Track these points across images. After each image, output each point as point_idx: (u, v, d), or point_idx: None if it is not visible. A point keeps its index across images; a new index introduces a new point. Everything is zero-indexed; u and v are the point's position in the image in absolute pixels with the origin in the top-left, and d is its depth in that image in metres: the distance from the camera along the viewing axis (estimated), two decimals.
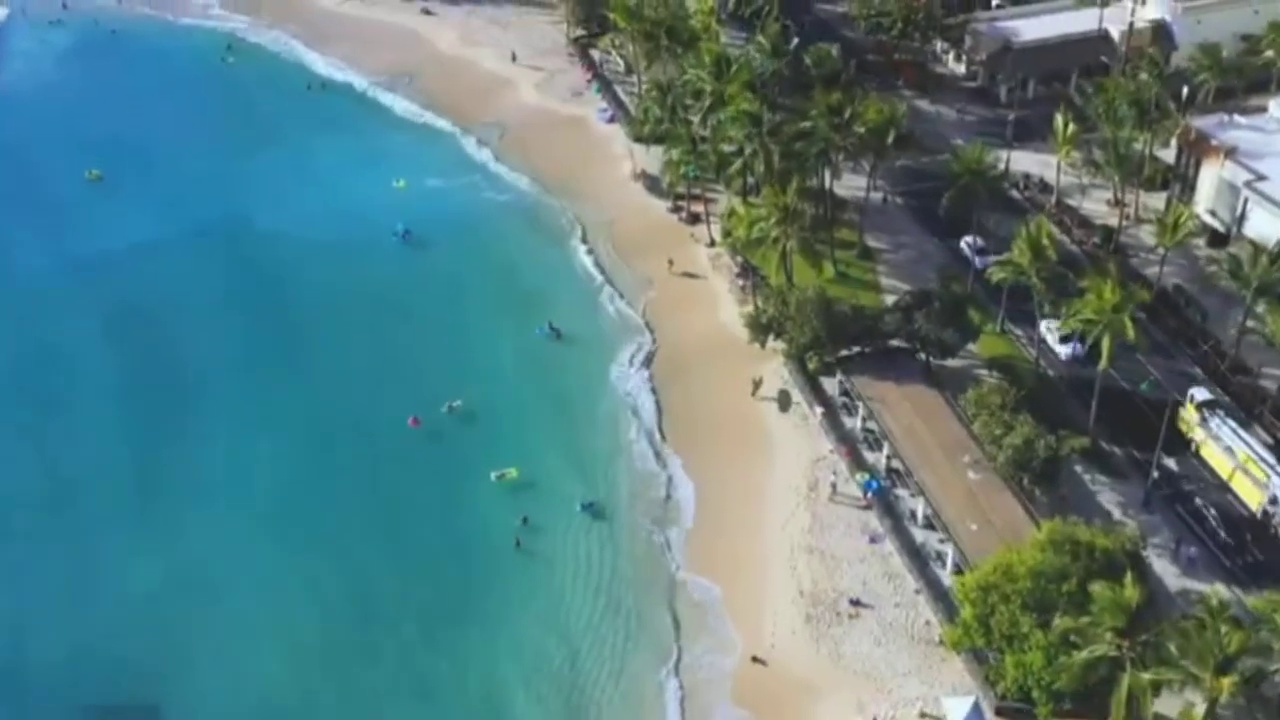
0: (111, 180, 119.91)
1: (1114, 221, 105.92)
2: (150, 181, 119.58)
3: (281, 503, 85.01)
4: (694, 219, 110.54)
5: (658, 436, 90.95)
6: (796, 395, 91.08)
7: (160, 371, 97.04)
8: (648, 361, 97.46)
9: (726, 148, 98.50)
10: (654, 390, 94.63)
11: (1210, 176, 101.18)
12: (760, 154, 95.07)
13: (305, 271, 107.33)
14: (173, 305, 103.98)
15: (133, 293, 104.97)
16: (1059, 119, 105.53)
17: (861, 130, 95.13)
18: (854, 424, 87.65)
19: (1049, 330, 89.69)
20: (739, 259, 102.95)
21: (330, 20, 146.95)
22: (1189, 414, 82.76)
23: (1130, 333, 78.78)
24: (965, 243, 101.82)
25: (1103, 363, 79.93)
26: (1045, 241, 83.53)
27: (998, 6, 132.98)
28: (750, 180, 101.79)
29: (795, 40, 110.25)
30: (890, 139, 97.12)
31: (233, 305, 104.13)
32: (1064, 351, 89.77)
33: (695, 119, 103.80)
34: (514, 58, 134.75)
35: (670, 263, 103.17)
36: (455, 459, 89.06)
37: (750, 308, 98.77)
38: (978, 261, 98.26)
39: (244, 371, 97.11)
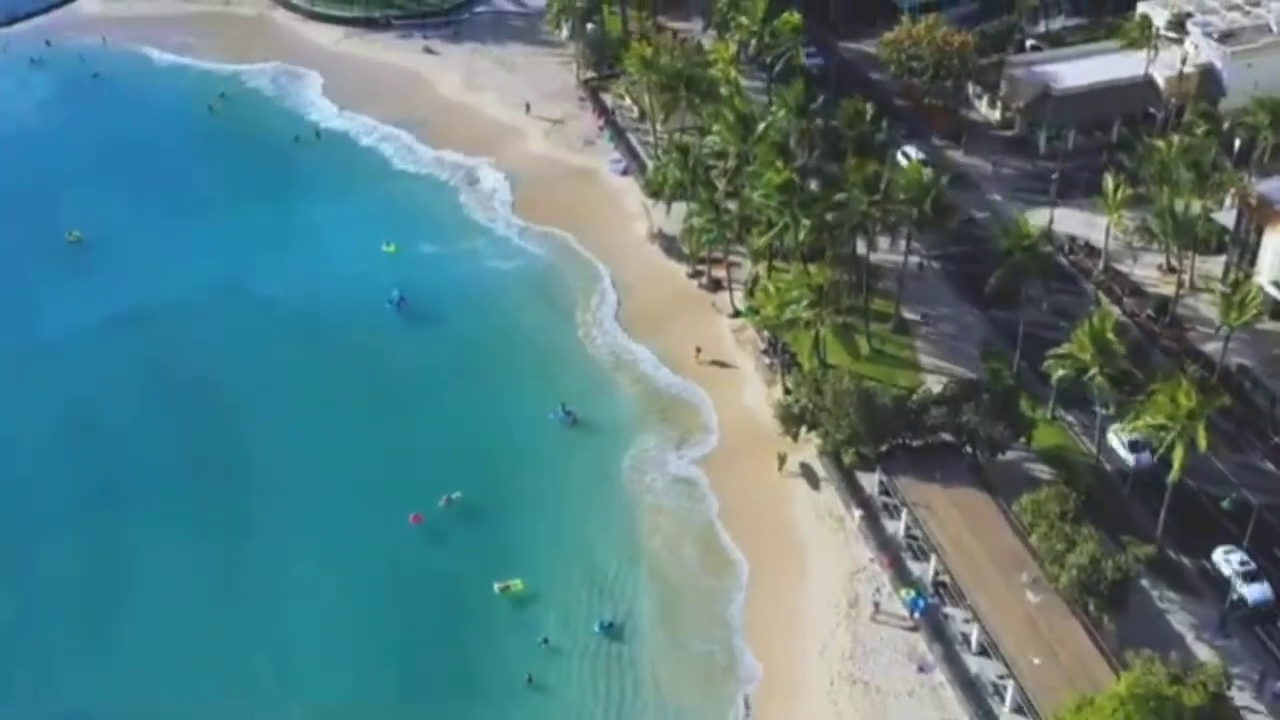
0: (91, 241, 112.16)
1: (1168, 290, 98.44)
2: (131, 243, 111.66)
3: (264, 622, 77.70)
4: (715, 285, 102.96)
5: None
6: (831, 492, 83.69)
7: (133, 465, 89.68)
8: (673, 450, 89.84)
9: (754, 215, 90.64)
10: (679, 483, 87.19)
11: (1274, 246, 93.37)
12: (791, 227, 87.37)
13: (294, 344, 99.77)
14: (149, 386, 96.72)
15: (107, 373, 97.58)
16: (1108, 181, 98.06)
17: (900, 203, 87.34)
18: (896, 529, 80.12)
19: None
20: (766, 334, 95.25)
21: (326, 61, 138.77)
22: None
23: (1205, 442, 71.18)
24: None
25: (1174, 474, 72.37)
26: (1110, 335, 75.78)
27: (1033, 47, 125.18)
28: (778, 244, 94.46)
29: (821, 98, 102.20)
30: (929, 209, 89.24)
31: (217, 384, 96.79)
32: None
33: (719, 182, 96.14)
34: (528, 109, 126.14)
35: (698, 350, 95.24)
36: (455, 565, 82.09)
37: (778, 388, 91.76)
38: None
39: (226, 459, 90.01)
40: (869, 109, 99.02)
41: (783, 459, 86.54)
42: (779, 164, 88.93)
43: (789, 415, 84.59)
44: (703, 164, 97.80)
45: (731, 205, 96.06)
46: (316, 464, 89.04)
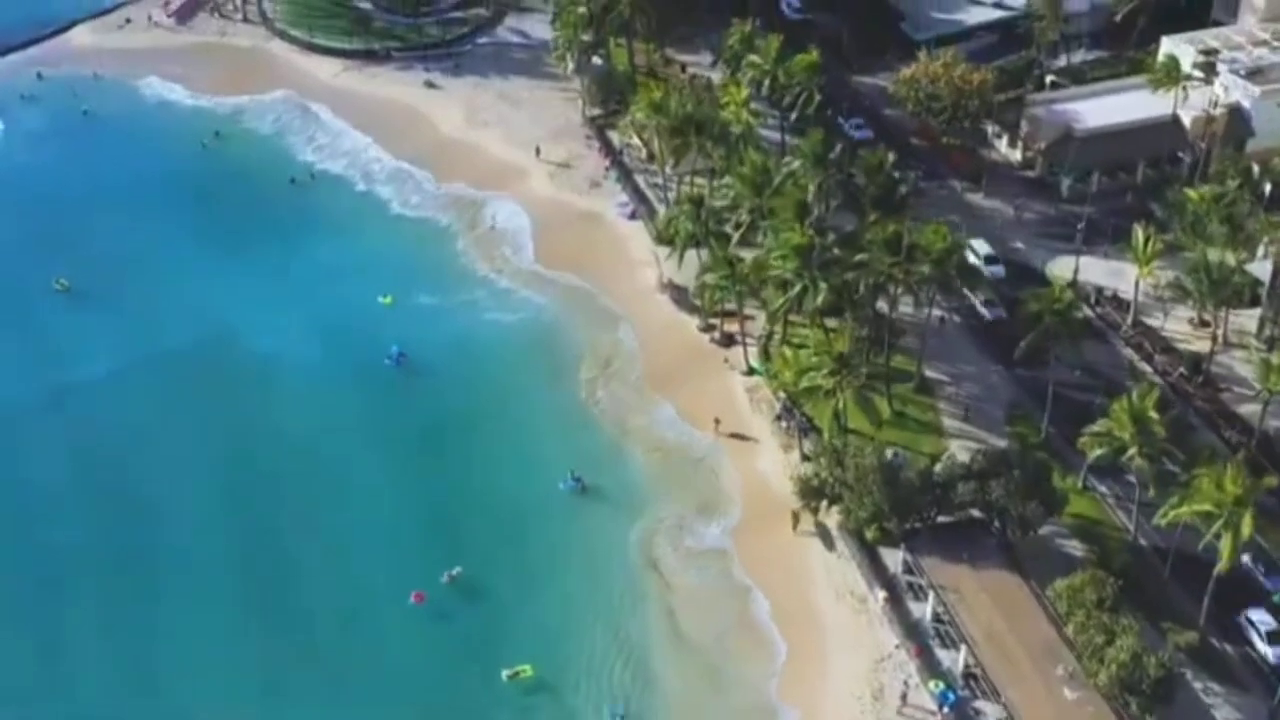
0: (79, 290, 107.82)
1: (1201, 345, 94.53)
2: (119, 292, 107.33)
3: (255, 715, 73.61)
4: (728, 340, 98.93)
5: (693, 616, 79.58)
6: (852, 569, 79.78)
7: (112, 538, 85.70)
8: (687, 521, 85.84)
9: (771, 275, 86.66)
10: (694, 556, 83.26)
11: None
12: (810, 290, 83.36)
13: (287, 404, 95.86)
14: (132, 449, 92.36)
15: (87, 435, 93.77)
16: (1139, 233, 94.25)
17: (924, 267, 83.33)
18: (923, 613, 76.14)
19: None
20: (782, 395, 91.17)
21: (324, 96, 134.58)
22: None
23: (1250, 530, 67.23)
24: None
25: (1222, 564, 68.39)
26: (1152, 414, 71.73)
27: (1053, 83, 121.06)
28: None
29: (840, 148, 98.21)
30: (955, 271, 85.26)
31: (204, 448, 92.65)
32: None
33: (733, 234, 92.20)
34: (538, 152, 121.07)
35: (717, 422, 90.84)
36: (460, 648, 78.57)
37: (796, 454, 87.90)
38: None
39: (211, 530, 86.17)
40: (890, 159, 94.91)
41: (796, 518, 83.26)
42: (796, 224, 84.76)
43: (809, 489, 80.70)
44: (715, 216, 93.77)
45: (746, 254, 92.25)
46: (311, 536, 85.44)
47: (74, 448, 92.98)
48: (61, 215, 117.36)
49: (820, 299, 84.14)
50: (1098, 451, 74.98)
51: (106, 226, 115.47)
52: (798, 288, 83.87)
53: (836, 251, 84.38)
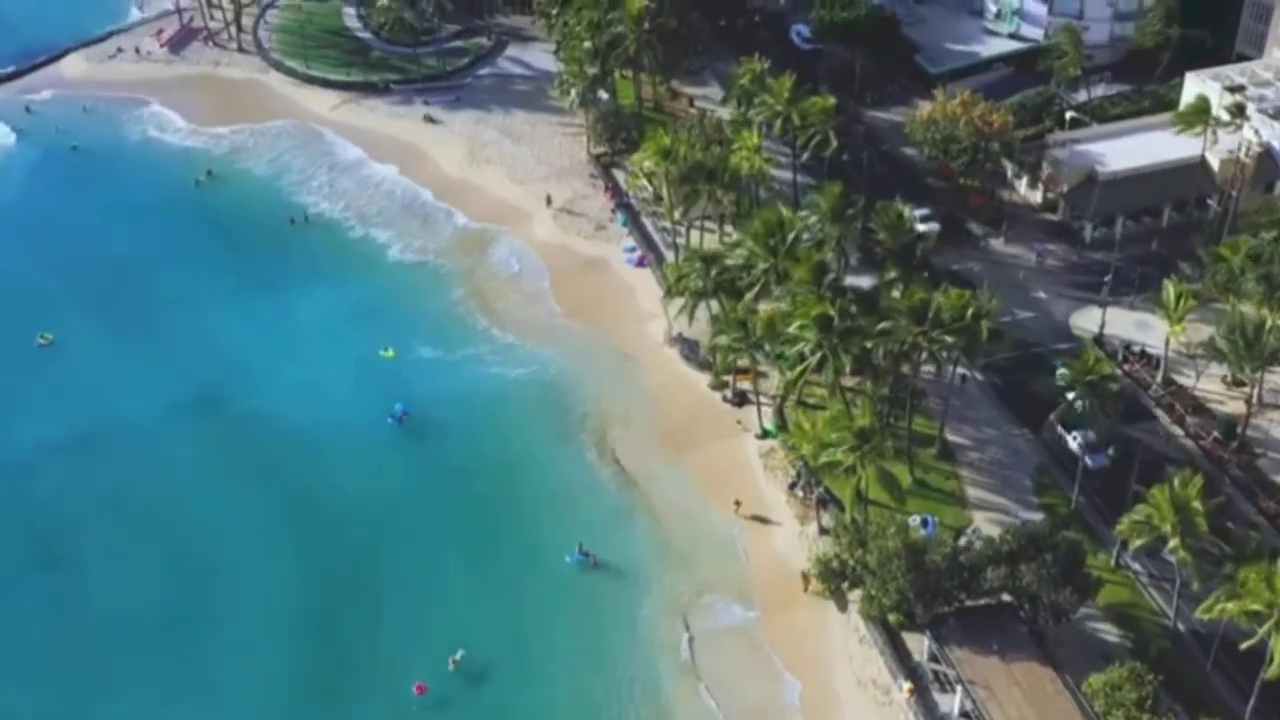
0: (63, 344, 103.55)
1: (1235, 407, 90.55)
2: (106, 347, 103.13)
3: None
4: (741, 399, 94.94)
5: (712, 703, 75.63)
6: (875, 656, 75.84)
7: (88, 615, 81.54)
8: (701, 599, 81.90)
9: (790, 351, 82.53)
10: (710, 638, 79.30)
11: None
12: (830, 361, 79.34)
13: (282, 470, 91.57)
14: (116, 518, 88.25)
15: (67, 502, 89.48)
16: (1170, 290, 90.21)
17: (952, 337, 79.27)
18: (950, 707, 72.15)
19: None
20: (798, 461, 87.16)
21: (320, 132, 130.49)
22: None
23: None
24: (1074, 442, 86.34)
25: (1272, 670, 64.33)
26: (1196, 504, 67.69)
27: (1073, 120, 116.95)
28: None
29: (859, 203, 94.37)
30: (984, 337, 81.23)
31: (193, 518, 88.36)
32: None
33: (747, 294, 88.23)
34: (549, 202, 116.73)
35: (737, 504, 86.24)
36: None
37: (813, 525, 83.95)
38: (1089, 461, 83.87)
39: (199, 609, 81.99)
40: (911, 215, 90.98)
41: (806, 580, 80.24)
42: (814, 288, 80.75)
43: (829, 571, 76.78)
44: (728, 274, 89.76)
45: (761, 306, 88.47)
46: (304, 617, 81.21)
47: (47, 517, 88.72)
48: (46, 262, 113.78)
49: (841, 370, 79.88)
50: (1137, 542, 70.80)
51: (94, 274, 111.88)
52: (817, 358, 79.70)
53: (857, 321, 79.85)
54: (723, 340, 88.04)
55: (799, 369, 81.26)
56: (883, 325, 79.81)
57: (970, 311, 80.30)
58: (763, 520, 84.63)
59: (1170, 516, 67.86)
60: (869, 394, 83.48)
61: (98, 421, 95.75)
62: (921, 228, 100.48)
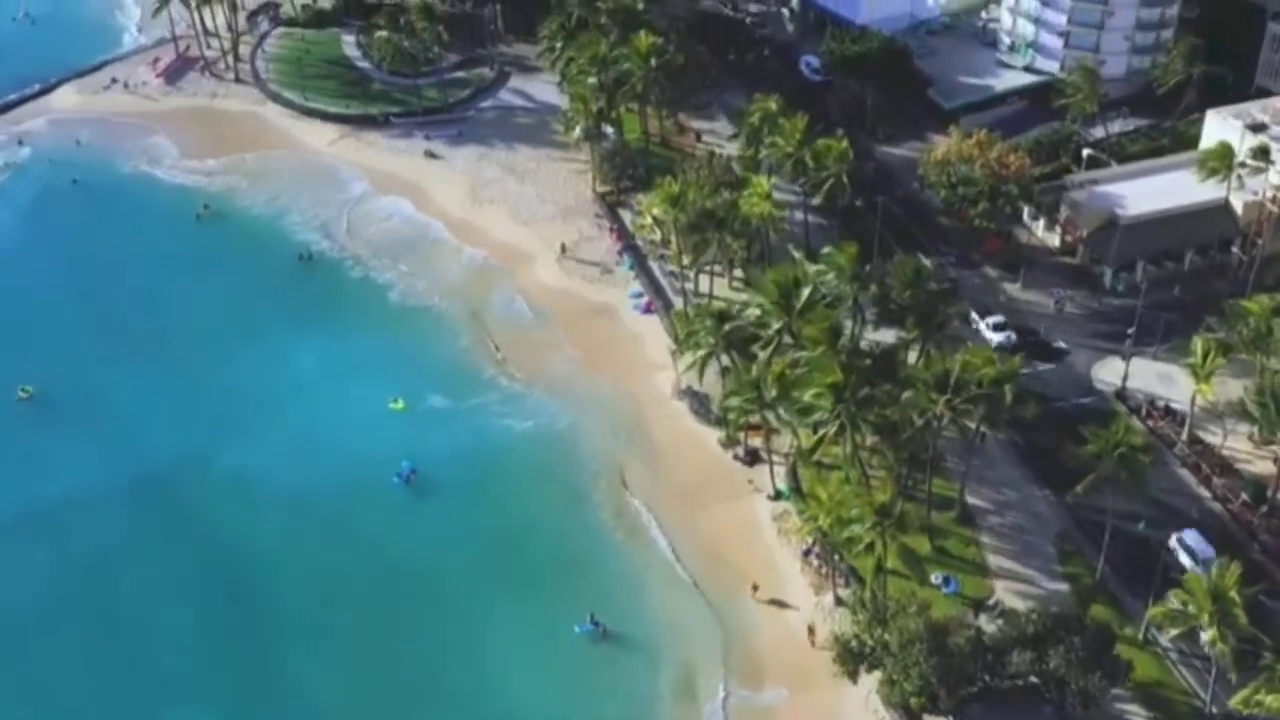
0: (45, 398, 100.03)
1: (1264, 466, 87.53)
2: (92, 401, 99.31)
3: None
4: (752, 458, 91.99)
5: None
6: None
7: (64, 688, 78.31)
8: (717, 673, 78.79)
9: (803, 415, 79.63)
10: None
11: None
12: (847, 430, 76.42)
13: (279, 536, 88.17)
14: (93, 588, 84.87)
15: (47, 574, 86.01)
16: (1197, 347, 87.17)
17: (976, 406, 76.35)
18: None
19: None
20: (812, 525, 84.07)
21: (318, 168, 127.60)
22: None
23: None
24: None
25: None
26: (1233, 595, 64.76)
27: (1090, 157, 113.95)
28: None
29: (875, 261, 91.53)
30: (1009, 404, 78.30)
31: (179, 588, 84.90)
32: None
33: (761, 354, 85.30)
34: (563, 250, 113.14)
35: (755, 588, 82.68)
36: None
37: (829, 595, 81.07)
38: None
39: (189, 686, 78.85)
40: (929, 268, 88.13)
41: (812, 631, 78.46)
42: (830, 351, 77.83)
43: (848, 653, 73.80)
44: (740, 332, 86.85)
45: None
46: (301, 696, 78.06)
47: (25, 585, 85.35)
48: (31, 306, 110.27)
49: (860, 442, 77.01)
50: (1172, 632, 67.87)
51: (84, 319, 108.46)
52: (834, 427, 76.80)
53: (876, 388, 76.95)
54: (734, 401, 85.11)
55: (814, 439, 78.25)
56: (906, 396, 76.69)
57: (994, 375, 77.37)
58: (780, 604, 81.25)
59: (1207, 606, 64.99)
60: (888, 463, 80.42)
61: (74, 484, 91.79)
62: (995, 338, 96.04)
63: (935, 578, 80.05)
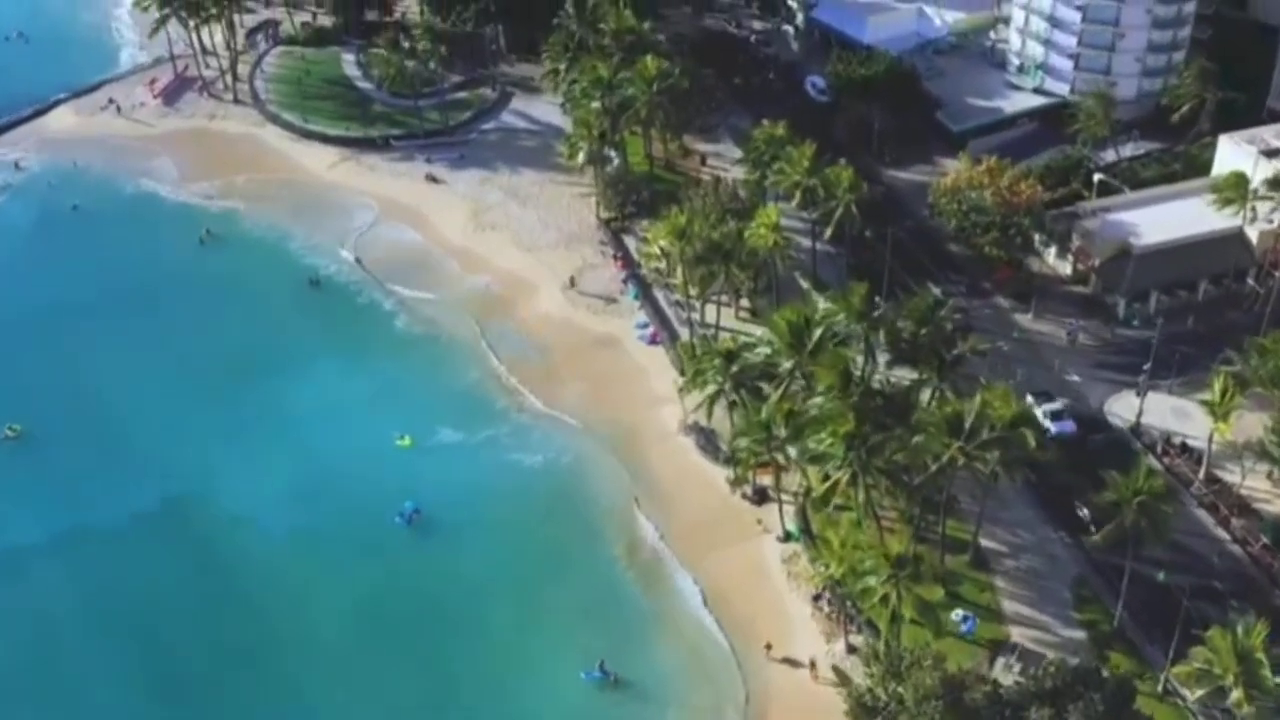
0: (33, 436, 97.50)
1: None
2: (83, 440, 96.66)
3: None
4: (760, 497, 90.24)
5: None
6: None
7: None
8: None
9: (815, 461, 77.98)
10: None
11: None
12: (859, 479, 74.73)
13: (273, 582, 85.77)
14: (82, 638, 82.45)
15: (32, 620, 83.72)
16: (1215, 386, 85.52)
17: (992, 452, 74.64)
18: None
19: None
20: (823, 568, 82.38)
21: (319, 192, 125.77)
22: None
23: None
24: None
25: None
26: (1261, 655, 63.06)
27: (1101, 182, 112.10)
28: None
29: (886, 302, 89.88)
30: (1029, 447, 76.58)
31: (169, 637, 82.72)
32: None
33: (772, 393, 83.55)
34: (572, 283, 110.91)
35: (768, 647, 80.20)
36: None
37: (840, 643, 79.40)
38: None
39: None
40: (943, 305, 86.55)
41: (814, 666, 77.62)
42: (841, 395, 76.15)
43: (862, 708, 72.01)
44: (749, 371, 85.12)
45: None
46: None
47: (11, 635, 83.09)
48: (23, 337, 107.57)
49: (873, 489, 75.38)
50: (1198, 693, 66.22)
51: (77, 351, 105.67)
52: (846, 475, 75.11)
53: (889, 433, 75.28)
54: (744, 443, 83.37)
55: (826, 486, 76.61)
56: (917, 440, 75.07)
57: (1011, 418, 75.70)
58: (793, 663, 79.37)
59: (1233, 666, 63.29)
60: (900, 506, 78.83)
61: (60, 529, 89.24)
62: (1054, 427, 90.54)
63: (955, 615, 78.97)
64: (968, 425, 74.98)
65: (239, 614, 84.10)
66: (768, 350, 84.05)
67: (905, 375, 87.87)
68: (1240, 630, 64.76)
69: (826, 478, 76.35)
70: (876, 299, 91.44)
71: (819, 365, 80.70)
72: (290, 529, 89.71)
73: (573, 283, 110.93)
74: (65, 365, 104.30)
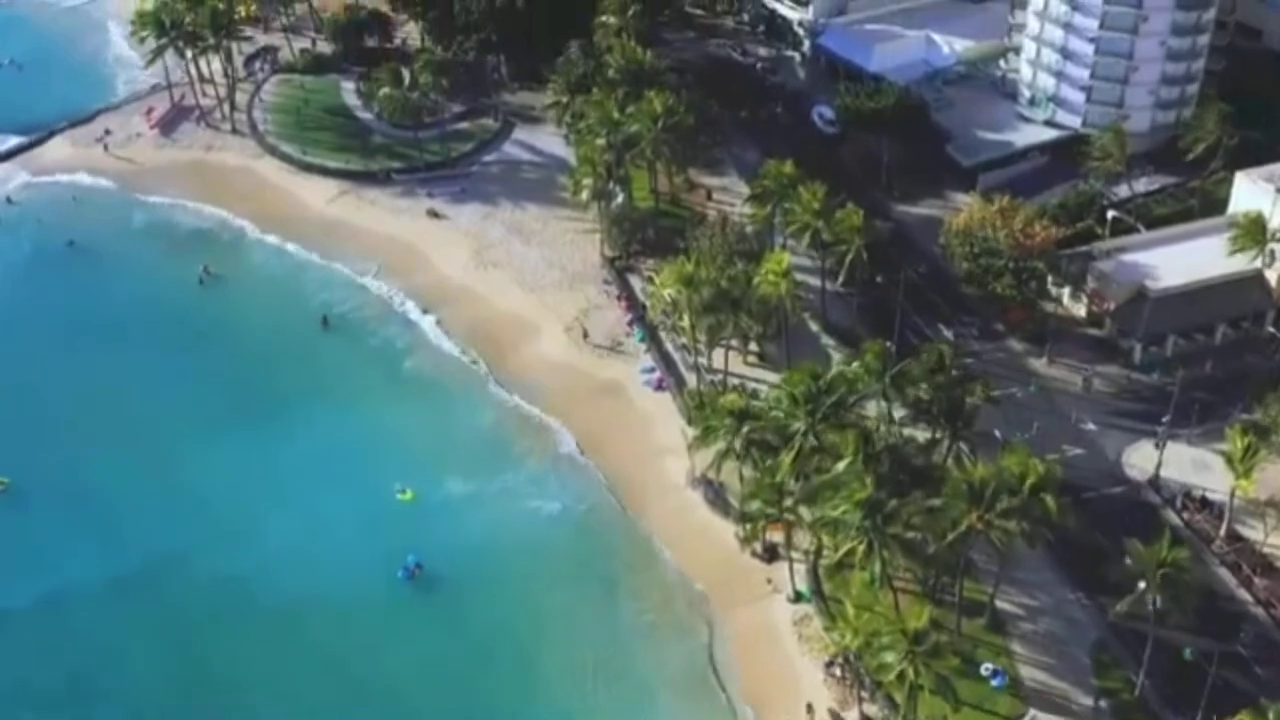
0: (21, 490, 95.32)
1: None
2: (73, 493, 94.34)
3: None
4: (771, 554, 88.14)
5: None
6: None
7: None
8: None
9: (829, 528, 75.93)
10: None
11: None
12: (876, 549, 72.65)
13: (267, 646, 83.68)
14: (70, 702, 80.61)
15: (16, 685, 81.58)
16: (1236, 442, 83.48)
17: (1013, 522, 72.55)
18: None
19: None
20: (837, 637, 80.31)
21: (317, 231, 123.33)
22: None
23: None
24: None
25: None
26: None
27: (1114, 219, 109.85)
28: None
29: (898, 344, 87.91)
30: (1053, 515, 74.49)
31: (161, 701, 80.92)
32: None
33: (785, 459, 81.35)
34: (585, 335, 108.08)
35: (809, 709, 78.43)
36: None
37: (854, 713, 77.37)
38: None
39: None
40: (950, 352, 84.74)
41: (810, 710, 76.41)
42: (856, 458, 74.12)
43: None
44: (760, 431, 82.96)
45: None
46: None
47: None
48: (10, 384, 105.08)
49: (889, 563, 73.32)
50: None
51: (68, 399, 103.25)
52: (861, 547, 73.04)
53: (906, 500, 73.27)
54: (755, 505, 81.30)
55: (839, 554, 74.59)
56: (933, 503, 73.06)
57: (1033, 483, 73.66)
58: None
59: None
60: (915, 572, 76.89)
61: (46, 588, 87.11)
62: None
63: (985, 668, 77.57)
64: (987, 495, 72.79)
65: (231, 678, 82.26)
66: (780, 415, 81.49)
67: (921, 432, 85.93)
68: (1271, 716, 62.71)
69: (842, 544, 74.15)
70: (889, 347, 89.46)
71: (833, 428, 78.45)
72: (282, 593, 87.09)
73: (585, 335, 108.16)
74: (55, 414, 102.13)
